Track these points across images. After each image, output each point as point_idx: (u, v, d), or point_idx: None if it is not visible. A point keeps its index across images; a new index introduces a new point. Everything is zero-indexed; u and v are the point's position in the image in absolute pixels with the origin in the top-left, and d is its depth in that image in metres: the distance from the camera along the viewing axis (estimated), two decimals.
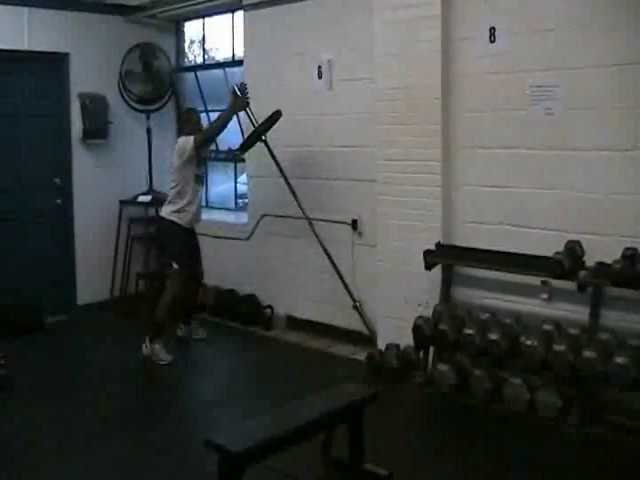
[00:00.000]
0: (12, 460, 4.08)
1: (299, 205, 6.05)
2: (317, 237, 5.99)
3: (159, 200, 6.60)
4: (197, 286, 6.33)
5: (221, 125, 5.83)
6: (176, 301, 5.93)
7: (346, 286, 5.86)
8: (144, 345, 5.78)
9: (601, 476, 3.80)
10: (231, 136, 7.49)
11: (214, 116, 7.51)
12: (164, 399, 5.11)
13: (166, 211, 5.92)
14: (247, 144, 6.20)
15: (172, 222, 5.86)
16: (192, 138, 5.73)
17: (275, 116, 5.98)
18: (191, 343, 6.28)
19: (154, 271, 7.20)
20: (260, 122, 6.02)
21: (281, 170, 6.06)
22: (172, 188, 5.89)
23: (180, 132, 7.01)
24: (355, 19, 5.80)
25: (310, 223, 6.07)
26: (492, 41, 4.90)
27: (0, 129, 6.69)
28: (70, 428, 4.54)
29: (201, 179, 6.02)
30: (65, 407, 4.88)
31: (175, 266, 5.93)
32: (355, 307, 5.87)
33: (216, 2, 6.80)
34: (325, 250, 5.95)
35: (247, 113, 6.07)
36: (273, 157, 6.07)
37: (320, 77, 6.08)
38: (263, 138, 6.03)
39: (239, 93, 5.80)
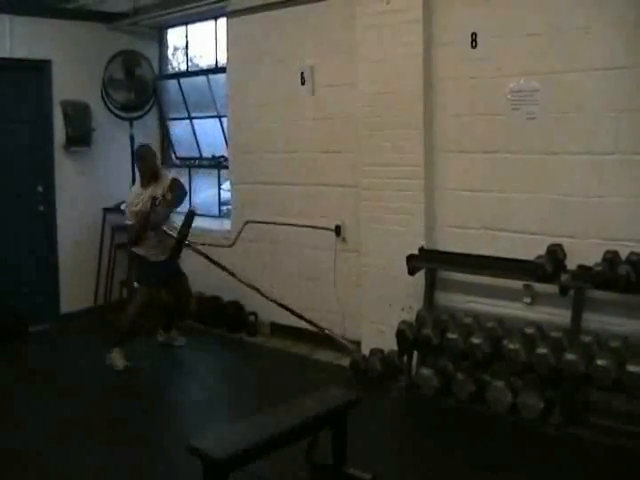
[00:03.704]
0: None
1: None
2: None
3: None
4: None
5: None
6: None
7: (311, 321, 5.74)
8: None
9: (583, 476, 3.82)
10: (212, 143, 7.52)
11: (197, 123, 7.57)
12: (149, 405, 5.10)
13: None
14: (176, 250, 5.96)
15: None
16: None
17: (190, 215, 5.87)
18: (174, 347, 6.32)
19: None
20: (180, 228, 5.86)
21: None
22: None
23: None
24: (337, 25, 5.82)
25: None
26: (474, 46, 4.93)
27: None
28: (55, 434, 4.52)
29: None
30: (52, 413, 4.86)
31: None
32: (326, 335, 5.81)
33: (199, 9, 6.78)
34: None
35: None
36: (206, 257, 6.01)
37: (303, 83, 6.08)
38: (187, 242, 5.91)
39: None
